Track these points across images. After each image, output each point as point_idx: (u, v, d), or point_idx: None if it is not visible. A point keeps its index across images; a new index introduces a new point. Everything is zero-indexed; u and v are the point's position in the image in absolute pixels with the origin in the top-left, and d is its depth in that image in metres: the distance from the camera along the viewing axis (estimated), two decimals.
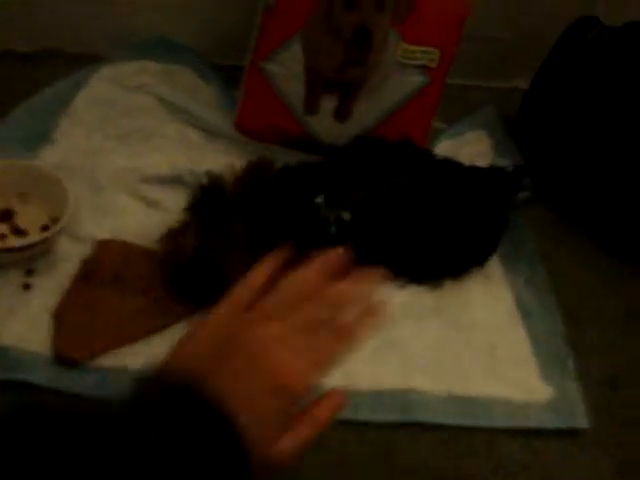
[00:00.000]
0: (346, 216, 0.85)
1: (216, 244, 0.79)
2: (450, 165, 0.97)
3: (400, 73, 1.02)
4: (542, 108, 1.12)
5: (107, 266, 0.81)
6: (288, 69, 1.01)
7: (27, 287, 0.79)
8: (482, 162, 1.07)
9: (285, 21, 0.99)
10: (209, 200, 0.83)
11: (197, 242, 0.79)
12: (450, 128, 1.14)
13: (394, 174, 0.90)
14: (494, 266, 0.96)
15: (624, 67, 1.02)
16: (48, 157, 0.96)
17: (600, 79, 1.04)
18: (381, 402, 0.77)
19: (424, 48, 1.00)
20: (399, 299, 0.88)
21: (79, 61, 1.14)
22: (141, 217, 0.89)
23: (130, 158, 0.98)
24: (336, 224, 0.84)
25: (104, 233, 0.87)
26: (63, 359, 0.72)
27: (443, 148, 1.09)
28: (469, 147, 1.12)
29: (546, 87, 1.12)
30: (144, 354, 0.74)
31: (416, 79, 1.03)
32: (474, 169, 1.00)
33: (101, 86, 1.09)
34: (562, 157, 1.08)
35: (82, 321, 0.75)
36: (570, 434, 0.79)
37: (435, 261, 0.91)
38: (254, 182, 0.84)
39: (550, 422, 0.79)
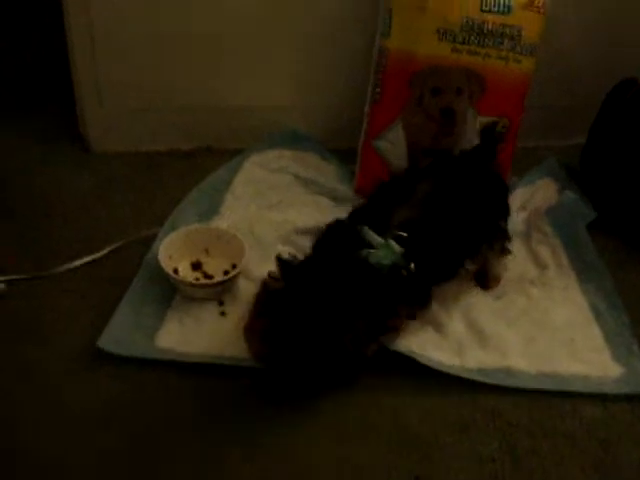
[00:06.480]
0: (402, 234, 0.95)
1: None
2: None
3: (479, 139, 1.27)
4: (598, 157, 1.35)
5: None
6: (393, 144, 1.29)
7: (223, 314, 1.08)
8: (553, 202, 1.29)
9: (388, 109, 1.28)
10: None
11: None
12: (522, 179, 1.37)
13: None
14: (570, 279, 1.17)
15: None
16: (220, 224, 1.22)
17: None
18: (487, 374, 0.99)
19: (495, 118, 1.26)
20: (496, 305, 1.10)
21: (230, 154, 1.43)
22: None
23: (281, 219, 1.24)
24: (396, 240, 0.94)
25: None
26: (258, 357, 0.98)
27: (518, 196, 1.32)
28: (541, 192, 1.35)
29: (599, 140, 1.35)
30: None
31: None
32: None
33: (252, 169, 1.38)
34: (620, 193, 1.29)
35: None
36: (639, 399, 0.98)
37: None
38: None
39: (622, 389, 0.98)
